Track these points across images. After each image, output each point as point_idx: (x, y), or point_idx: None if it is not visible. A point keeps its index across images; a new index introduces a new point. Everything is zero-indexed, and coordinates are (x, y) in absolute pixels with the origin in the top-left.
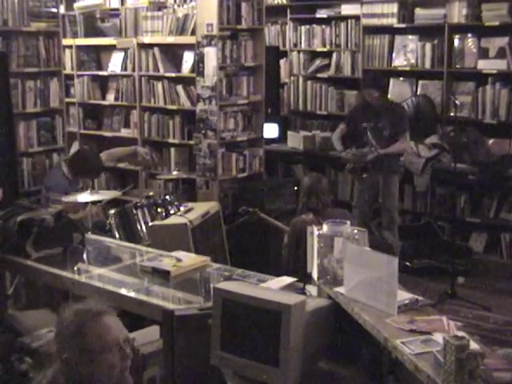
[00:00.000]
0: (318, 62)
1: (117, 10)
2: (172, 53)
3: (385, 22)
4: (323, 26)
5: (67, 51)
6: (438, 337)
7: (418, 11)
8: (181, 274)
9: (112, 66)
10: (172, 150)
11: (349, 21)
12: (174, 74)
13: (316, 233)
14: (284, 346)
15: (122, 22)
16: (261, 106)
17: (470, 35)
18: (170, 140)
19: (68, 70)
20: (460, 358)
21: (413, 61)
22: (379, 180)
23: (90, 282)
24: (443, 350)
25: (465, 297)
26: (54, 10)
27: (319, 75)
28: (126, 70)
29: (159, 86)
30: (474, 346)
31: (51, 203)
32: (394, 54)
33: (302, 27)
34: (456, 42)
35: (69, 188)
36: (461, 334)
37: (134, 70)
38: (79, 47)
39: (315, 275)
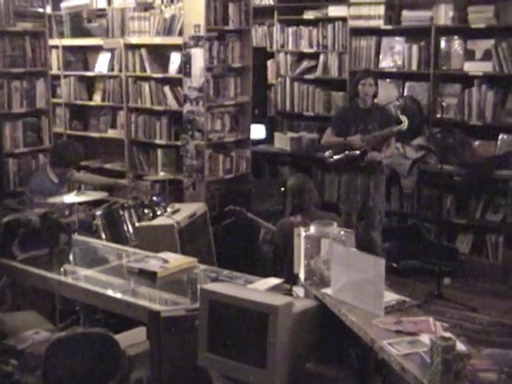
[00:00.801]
0: (305, 64)
1: (104, 10)
2: (159, 53)
3: (372, 23)
4: (310, 28)
5: (54, 51)
6: (425, 338)
7: (405, 13)
8: (167, 275)
9: (99, 67)
10: (159, 150)
11: (336, 22)
12: (161, 75)
13: (303, 234)
14: (271, 348)
15: (109, 22)
16: (248, 107)
17: (456, 37)
18: (157, 141)
19: (54, 71)
20: (446, 359)
21: (399, 62)
22: (369, 182)
23: (77, 284)
24: (430, 351)
25: (451, 298)
26: (41, 9)
27: (306, 76)
28: (112, 70)
29: (146, 86)
30: (460, 346)
31: (35, 206)
32: (380, 56)
33: (289, 28)
34: (442, 44)
35: (54, 191)
36: (447, 334)
37: (120, 70)
38: (66, 47)
39: (302, 276)
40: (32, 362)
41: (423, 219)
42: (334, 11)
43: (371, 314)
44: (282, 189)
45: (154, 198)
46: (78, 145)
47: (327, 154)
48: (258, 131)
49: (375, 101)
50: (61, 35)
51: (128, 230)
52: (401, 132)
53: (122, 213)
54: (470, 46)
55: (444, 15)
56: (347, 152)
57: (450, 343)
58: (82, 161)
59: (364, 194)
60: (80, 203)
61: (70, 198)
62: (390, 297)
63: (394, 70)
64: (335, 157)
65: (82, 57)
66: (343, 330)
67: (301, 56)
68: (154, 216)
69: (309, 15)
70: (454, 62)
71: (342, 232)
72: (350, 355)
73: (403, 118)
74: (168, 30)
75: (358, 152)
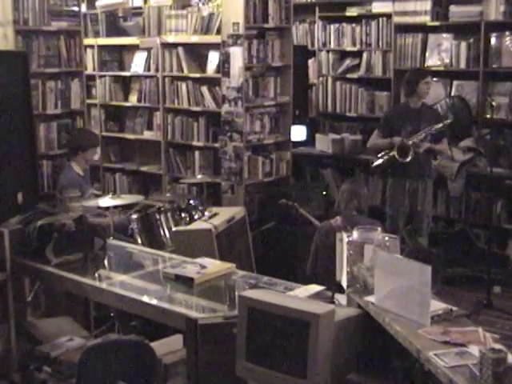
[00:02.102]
0: (347, 62)
1: (140, 8)
2: (196, 52)
3: (418, 19)
4: (353, 25)
5: (89, 51)
6: (474, 349)
7: (453, 8)
8: (205, 282)
9: (135, 67)
10: (196, 153)
11: (380, 19)
12: (198, 75)
13: (345, 239)
14: (312, 357)
15: (145, 20)
16: (288, 107)
17: (507, 33)
18: (195, 143)
19: (89, 71)
20: (497, 372)
21: (447, 60)
22: (418, 186)
23: (111, 289)
24: (479, 364)
25: (501, 307)
26: (76, 8)
27: (349, 76)
28: (149, 70)
29: (183, 86)
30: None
31: (69, 201)
32: (427, 54)
33: (331, 26)
34: (493, 41)
35: (82, 184)
36: (498, 346)
37: (157, 70)
38: (101, 47)
39: (345, 283)
40: (66, 369)
41: (472, 225)
42: (377, 7)
43: (417, 324)
44: (324, 192)
45: (192, 202)
46: (88, 129)
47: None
48: (298, 133)
49: (424, 100)
50: (96, 34)
51: (164, 235)
52: (444, 129)
53: (158, 217)
54: None
55: (495, 10)
56: (388, 156)
57: (501, 355)
58: (97, 143)
59: (412, 198)
60: (115, 206)
61: (105, 201)
62: (437, 306)
63: (442, 68)
64: (375, 163)
65: (118, 56)
66: (387, 339)
67: (343, 54)
68: (191, 220)
69: (351, 12)
70: (505, 60)
71: (387, 238)
72: (394, 367)
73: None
74: (206, 29)
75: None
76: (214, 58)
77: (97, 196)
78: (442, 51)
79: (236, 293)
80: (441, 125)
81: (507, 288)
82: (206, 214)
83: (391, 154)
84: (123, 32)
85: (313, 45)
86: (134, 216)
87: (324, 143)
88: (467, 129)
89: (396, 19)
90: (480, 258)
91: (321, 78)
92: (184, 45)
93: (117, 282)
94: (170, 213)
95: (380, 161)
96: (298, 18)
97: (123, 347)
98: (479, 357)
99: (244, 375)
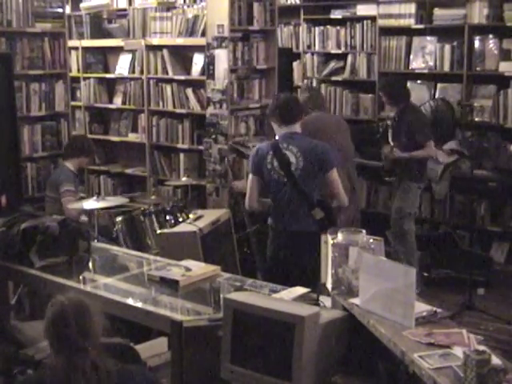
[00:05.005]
0: (332, 65)
1: (124, 10)
2: (181, 55)
3: (402, 22)
4: (338, 27)
5: (73, 53)
6: (458, 351)
7: (437, 11)
8: (190, 284)
9: (119, 69)
10: (181, 155)
11: (364, 22)
12: (183, 77)
13: (330, 242)
14: (297, 360)
15: (130, 22)
16: None
17: (491, 36)
18: (179, 145)
19: (74, 73)
20: (481, 374)
21: (431, 63)
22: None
23: (96, 292)
24: (463, 365)
25: (485, 309)
26: (60, 10)
27: (334, 78)
28: (133, 72)
29: (168, 89)
30: (495, 360)
31: (67, 195)
32: (411, 56)
33: (316, 28)
34: (476, 44)
35: (76, 183)
36: (482, 348)
37: (142, 72)
38: (85, 49)
39: (329, 285)
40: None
41: (456, 227)
42: (362, 10)
43: (401, 326)
44: None
45: (176, 204)
46: (86, 137)
47: None
48: None
49: None
50: (80, 36)
51: (149, 237)
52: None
53: (142, 219)
54: (505, 45)
55: (478, 13)
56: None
57: (484, 357)
58: (91, 152)
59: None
60: (100, 209)
61: (90, 203)
62: (421, 307)
63: (426, 71)
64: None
65: (102, 58)
66: (372, 341)
67: (328, 57)
68: (176, 223)
69: (336, 14)
70: (488, 63)
71: (371, 240)
72: (378, 368)
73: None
74: (191, 31)
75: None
76: (198, 61)
77: (82, 198)
78: (426, 54)
79: (221, 295)
80: None
81: (490, 290)
82: (191, 216)
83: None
84: (108, 34)
85: (297, 47)
86: (119, 218)
87: None
88: (451, 131)
89: (380, 22)
90: (464, 260)
91: (306, 81)
92: (169, 47)
93: (101, 284)
94: (154, 215)
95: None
96: (283, 20)
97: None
98: (463, 358)
99: (229, 378)
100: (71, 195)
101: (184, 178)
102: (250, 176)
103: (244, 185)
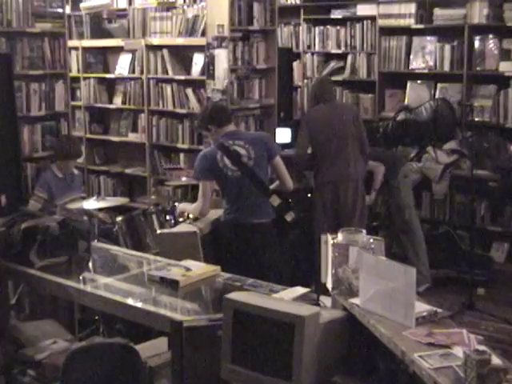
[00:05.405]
0: (332, 65)
1: (124, 10)
2: (181, 55)
3: (402, 22)
4: (338, 27)
5: (73, 53)
6: (458, 351)
7: (437, 11)
8: (190, 284)
9: (119, 69)
10: (181, 155)
11: (365, 21)
12: (183, 77)
13: (330, 242)
14: (297, 360)
15: (130, 22)
16: (273, 109)
17: (491, 36)
18: (179, 145)
19: (74, 73)
20: (482, 374)
21: (431, 63)
22: None
23: (96, 292)
24: (464, 365)
25: (485, 309)
26: (60, 10)
27: (334, 78)
28: (133, 72)
29: (168, 89)
30: (496, 360)
31: (32, 198)
32: (411, 56)
33: (316, 28)
34: (476, 44)
35: (58, 187)
36: (482, 347)
37: (142, 72)
38: (85, 49)
39: (329, 285)
40: (50, 372)
41: (456, 227)
42: (362, 10)
43: (401, 326)
44: (308, 194)
45: (176, 204)
46: (75, 138)
47: None
48: (283, 135)
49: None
50: (80, 36)
51: (149, 237)
52: None
53: (142, 219)
54: (505, 45)
55: (478, 13)
56: None
57: (485, 357)
58: (78, 154)
59: None
60: (100, 209)
61: (90, 203)
62: (422, 307)
63: (426, 71)
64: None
65: (102, 58)
66: (372, 341)
67: (328, 57)
68: (176, 223)
69: (336, 14)
70: (488, 62)
71: (371, 240)
72: (379, 368)
73: None
74: (191, 31)
75: None
76: (198, 60)
77: (82, 198)
78: (426, 54)
79: (221, 295)
80: None
81: (490, 289)
82: (191, 216)
83: None
84: (108, 34)
85: (298, 47)
86: (119, 218)
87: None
88: (451, 131)
89: (380, 22)
90: (464, 260)
91: (305, 81)
92: (169, 47)
93: (101, 284)
94: (154, 215)
95: None
96: (283, 20)
97: (108, 350)
98: (463, 358)
99: (229, 378)
100: (35, 199)
101: (184, 178)
102: (201, 183)
103: (187, 206)
